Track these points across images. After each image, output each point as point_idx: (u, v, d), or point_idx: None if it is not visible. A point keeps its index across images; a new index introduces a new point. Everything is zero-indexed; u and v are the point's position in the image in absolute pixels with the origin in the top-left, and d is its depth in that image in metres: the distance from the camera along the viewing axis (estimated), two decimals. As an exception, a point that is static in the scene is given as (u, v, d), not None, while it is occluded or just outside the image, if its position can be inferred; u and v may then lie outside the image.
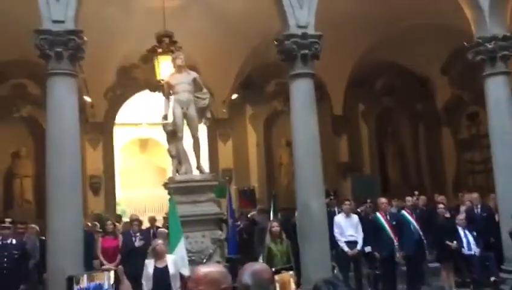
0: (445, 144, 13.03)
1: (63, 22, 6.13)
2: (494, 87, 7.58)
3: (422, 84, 13.14)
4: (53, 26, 6.09)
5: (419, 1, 9.28)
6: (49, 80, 6.18)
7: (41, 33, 6.07)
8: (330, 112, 12.48)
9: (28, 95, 11.19)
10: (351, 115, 12.90)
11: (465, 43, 7.81)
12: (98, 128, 11.74)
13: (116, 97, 12.02)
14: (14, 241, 6.36)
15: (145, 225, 9.07)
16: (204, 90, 7.46)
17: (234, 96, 11.91)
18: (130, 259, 6.79)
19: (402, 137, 13.30)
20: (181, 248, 5.88)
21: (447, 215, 8.03)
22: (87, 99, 10.83)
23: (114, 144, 12.35)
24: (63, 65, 6.15)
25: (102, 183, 11.69)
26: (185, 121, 7.25)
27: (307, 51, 6.80)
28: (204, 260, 6.47)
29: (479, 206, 8.33)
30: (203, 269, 2.24)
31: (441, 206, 8.05)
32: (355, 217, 7.73)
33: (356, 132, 12.96)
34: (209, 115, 7.61)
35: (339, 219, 7.62)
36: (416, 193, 9.56)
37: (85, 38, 6.27)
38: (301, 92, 6.95)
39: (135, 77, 11.66)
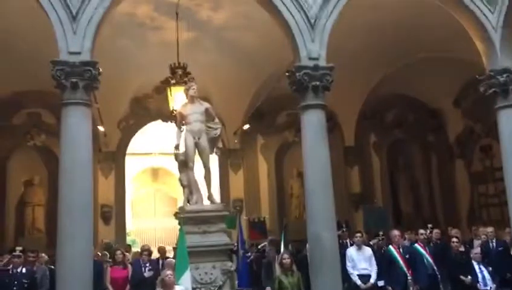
0: (459, 176, 12.88)
1: (79, 53, 6.28)
2: (507, 119, 7.53)
3: (433, 116, 13.12)
4: (69, 58, 6.23)
5: (430, 35, 9.37)
6: (64, 109, 6.28)
7: (58, 64, 6.21)
8: (342, 143, 12.47)
9: (42, 124, 11.36)
10: (363, 146, 12.87)
11: (477, 76, 7.82)
12: (110, 157, 11.84)
13: (129, 127, 12.17)
14: (24, 270, 6.35)
15: (155, 255, 9.00)
16: (216, 120, 7.50)
17: (246, 126, 11.98)
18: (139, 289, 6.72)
19: (414, 169, 13.20)
20: (186, 279, 5.81)
21: (461, 249, 7.86)
22: (101, 128, 10.97)
23: (126, 173, 12.42)
24: (78, 95, 6.26)
25: (113, 213, 11.71)
26: (196, 151, 7.28)
27: (318, 83, 6.85)
28: (214, 292, 6.37)
29: (494, 240, 8.15)
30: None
31: (455, 240, 7.89)
32: (368, 250, 7.60)
33: (368, 163, 12.90)
34: (220, 145, 7.65)
35: (351, 251, 7.49)
36: (429, 225, 9.40)
37: (100, 70, 6.40)
38: (312, 123, 6.96)
39: (148, 107, 11.82)
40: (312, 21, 6.93)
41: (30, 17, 7.04)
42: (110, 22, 7.04)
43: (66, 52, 6.26)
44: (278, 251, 8.00)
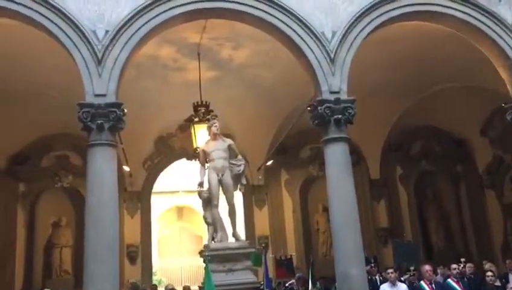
0: (490, 207, 12.49)
1: (104, 95, 6.44)
2: (537, 147, 7.34)
3: (461, 146, 12.88)
4: (95, 100, 6.39)
5: (452, 66, 9.30)
6: (90, 150, 6.40)
7: (84, 106, 6.37)
8: (367, 176, 12.30)
9: (70, 166, 11.59)
10: (389, 179, 12.66)
11: (503, 104, 7.69)
12: (136, 197, 11.93)
13: (154, 166, 12.29)
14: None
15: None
16: (240, 156, 7.53)
17: (269, 162, 11.97)
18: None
19: (443, 201, 12.88)
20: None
21: (497, 283, 7.56)
22: (126, 168, 11.11)
23: (151, 212, 12.47)
24: (104, 136, 6.37)
25: (139, 252, 11.69)
26: (220, 188, 7.29)
27: (340, 116, 6.83)
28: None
29: (530, 273, 7.82)
30: None
31: (490, 274, 7.59)
32: (402, 286, 7.39)
33: (395, 196, 12.65)
34: (244, 181, 7.63)
35: (385, 288, 7.31)
36: (462, 260, 9.08)
37: (125, 110, 6.53)
38: (336, 156, 6.90)
39: (172, 146, 11.95)
40: (332, 55, 6.99)
41: (57, 62, 7.28)
42: (134, 64, 7.24)
43: (92, 95, 6.43)
44: (306, 289, 7.83)
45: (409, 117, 11.45)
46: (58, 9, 6.46)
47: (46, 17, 6.44)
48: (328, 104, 6.84)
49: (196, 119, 8.53)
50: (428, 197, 12.80)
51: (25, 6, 6.41)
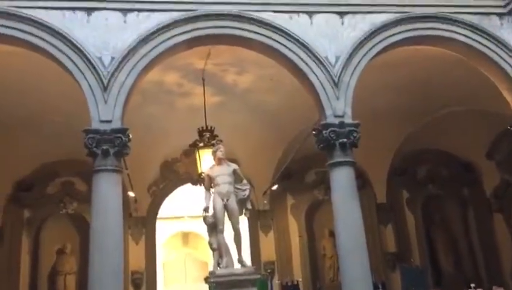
0: (499, 231, 12.30)
1: (110, 121, 6.48)
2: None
3: (467, 170, 12.78)
4: (101, 126, 6.43)
5: (456, 90, 9.31)
6: (95, 176, 6.40)
7: (90, 133, 6.40)
8: (374, 200, 12.20)
9: (75, 192, 11.58)
10: (396, 203, 12.54)
11: (509, 127, 7.66)
12: (140, 222, 11.86)
13: (159, 191, 12.26)
14: None
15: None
16: (245, 181, 7.51)
17: (275, 187, 11.92)
18: None
19: (451, 225, 12.70)
20: None
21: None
22: (131, 194, 11.09)
23: (156, 238, 12.38)
24: (109, 162, 6.38)
25: (144, 279, 11.57)
26: (225, 213, 7.24)
27: (345, 140, 6.82)
28: None
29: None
30: None
31: (501, 299, 7.45)
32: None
33: (402, 221, 12.51)
34: (249, 206, 7.58)
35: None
36: (472, 285, 8.92)
37: (130, 136, 6.56)
38: (341, 180, 6.87)
39: (177, 171, 11.94)
40: (336, 79, 7.03)
41: (63, 88, 7.35)
42: (139, 90, 7.30)
43: (98, 121, 6.46)
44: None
45: (415, 141, 11.43)
46: (65, 37, 6.56)
47: (53, 45, 6.53)
48: (332, 128, 6.84)
49: (201, 144, 8.55)
50: (436, 221, 12.65)
51: (32, 34, 6.52)
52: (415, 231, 12.44)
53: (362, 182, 11.16)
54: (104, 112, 6.50)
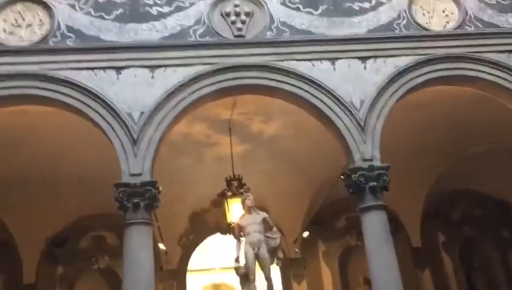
0: (544, 273, 11.73)
1: (140, 174, 6.59)
2: None
3: (504, 210, 12.35)
4: (131, 179, 6.53)
5: (487, 128, 9.15)
6: (127, 230, 6.44)
7: (121, 186, 6.51)
8: (408, 244, 11.85)
9: (106, 247, 11.63)
10: (431, 246, 12.14)
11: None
12: (171, 275, 11.75)
13: (189, 243, 12.21)
14: None
15: None
16: (275, 229, 7.45)
17: (305, 234, 11.74)
18: None
19: (492, 268, 12.17)
20: None
21: None
22: (162, 247, 11.07)
23: (187, 291, 12.22)
24: (140, 215, 6.43)
25: (176, 333, 11.35)
26: (257, 263, 7.14)
27: (375, 183, 6.74)
28: None
29: None
30: None
31: None
32: None
33: (440, 265, 12.05)
34: (281, 255, 7.48)
35: None
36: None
37: (160, 188, 6.63)
38: (374, 225, 6.72)
39: (207, 222, 11.91)
40: (361, 123, 7.02)
41: (95, 144, 7.55)
42: (167, 142, 7.43)
43: (128, 175, 6.58)
44: None
45: (447, 181, 11.17)
46: (96, 96, 6.80)
47: (85, 104, 6.77)
48: (361, 172, 6.78)
49: (229, 194, 8.56)
50: (475, 264, 12.16)
51: (65, 94, 6.78)
52: (454, 275, 11.95)
53: (395, 225, 10.88)
54: (134, 166, 6.62)
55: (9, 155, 8.56)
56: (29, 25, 7.08)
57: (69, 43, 7.05)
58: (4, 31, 7.00)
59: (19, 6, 7.12)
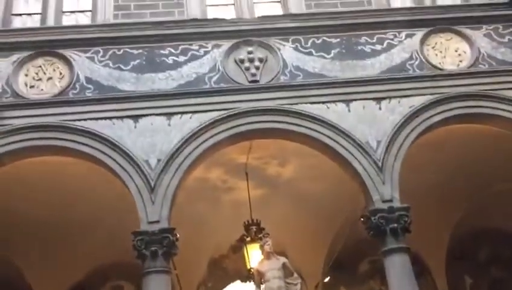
0: None
1: (158, 221, 6.57)
2: None
3: (532, 248, 11.94)
4: (149, 227, 6.53)
5: (509, 165, 8.99)
6: (145, 278, 6.38)
7: (139, 235, 6.49)
8: (434, 288, 11.43)
9: (124, 297, 11.47)
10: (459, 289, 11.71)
11: None
12: (191, 325, 11.49)
13: (208, 290, 11.98)
14: None
15: None
16: (295, 275, 7.28)
17: (327, 279, 11.43)
18: None
19: (524, 310, 11.65)
20: None
21: None
22: (180, 295, 10.87)
23: None
24: (158, 263, 6.39)
25: None
26: (278, 310, 6.96)
27: (396, 225, 6.61)
28: None
29: None
30: None
31: None
32: None
33: (468, 308, 11.59)
34: (302, 301, 7.28)
35: None
36: None
37: (177, 235, 6.59)
38: (397, 268, 6.54)
39: (225, 268, 11.70)
40: (379, 164, 6.97)
41: (113, 191, 7.59)
42: (184, 188, 7.44)
43: (146, 222, 6.58)
44: None
45: (471, 221, 10.86)
46: (114, 144, 6.91)
47: (105, 153, 6.90)
48: (381, 214, 6.68)
49: (248, 239, 8.45)
50: (505, 306, 11.66)
51: (84, 144, 6.93)
52: (485, 318, 11.46)
53: (420, 268, 10.54)
54: (152, 213, 6.62)
55: (29, 204, 8.64)
56: (49, 78, 7.31)
57: (88, 94, 7.24)
58: (25, 84, 7.25)
59: (40, 61, 7.40)
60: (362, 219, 6.98)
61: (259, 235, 8.06)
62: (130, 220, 6.80)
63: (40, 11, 8.10)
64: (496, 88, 7.45)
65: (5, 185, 7.48)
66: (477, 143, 8.37)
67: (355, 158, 7.05)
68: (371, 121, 7.26)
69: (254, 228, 8.48)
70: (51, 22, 7.95)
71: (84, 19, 8.15)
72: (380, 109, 7.36)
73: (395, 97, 7.40)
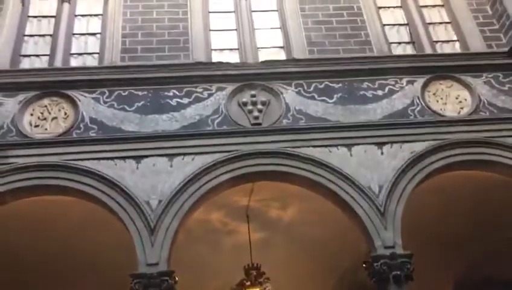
0: None
1: (157, 264, 6.48)
2: None
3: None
4: (148, 270, 6.42)
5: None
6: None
7: (137, 277, 6.38)
8: (440, 337, 11.10)
9: None
10: (466, 340, 11.34)
11: None
12: None
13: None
14: None
15: None
16: (296, 323, 7.10)
17: (328, 326, 11.12)
18: None
19: None
20: None
21: None
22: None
23: None
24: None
25: None
26: None
27: (398, 272, 6.49)
28: None
29: None
30: None
31: None
32: None
33: None
34: None
35: None
36: None
37: (176, 278, 6.48)
38: (401, 318, 6.37)
39: (225, 313, 11.43)
40: (381, 209, 6.92)
41: (111, 232, 7.50)
42: (185, 230, 7.37)
43: (145, 265, 6.48)
44: None
45: (476, 270, 10.64)
46: (116, 185, 6.89)
47: (105, 193, 6.87)
48: (384, 260, 6.57)
49: (248, 283, 8.30)
50: None
51: (87, 185, 6.90)
52: None
53: (424, 317, 10.29)
54: (151, 255, 6.53)
55: (27, 243, 8.54)
56: (54, 118, 7.39)
57: (92, 134, 7.28)
58: (30, 124, 7.31)
59: (45, 101, 7.50)
60: (364, 265, 6.87)
61: (259, 280, 7.93)
62: (129, 261, 6.69)
63: (48, 53, 8.26)
64: (497, 135, 7.48)
65: (5, 222, 7.42)
66: (481, 190, 8.31)
67: (357, 203, 7.01)
68: (372, 166, 7.26)
69: (254, 272, 8.36)
70: (58, 63, 8.09)
71: (92, 61, 8.30)
72: (381, 153, 7.38)
73: (396, 142, 7.43)
